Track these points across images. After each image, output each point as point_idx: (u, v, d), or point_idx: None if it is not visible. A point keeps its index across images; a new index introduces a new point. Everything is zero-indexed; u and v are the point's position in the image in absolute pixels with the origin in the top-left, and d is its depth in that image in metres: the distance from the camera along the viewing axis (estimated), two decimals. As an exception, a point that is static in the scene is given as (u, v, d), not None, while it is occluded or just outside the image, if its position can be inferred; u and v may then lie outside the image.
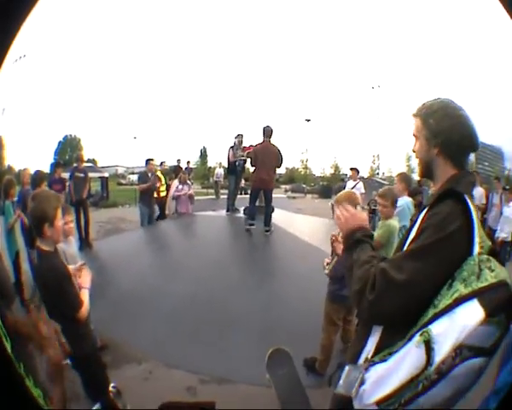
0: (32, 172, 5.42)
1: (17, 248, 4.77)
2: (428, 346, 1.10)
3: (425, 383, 1.10)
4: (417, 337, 1.14)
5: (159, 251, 6.84)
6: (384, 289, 1.21)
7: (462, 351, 1.06)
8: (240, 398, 3.17)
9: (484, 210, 7.68)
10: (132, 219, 11.19)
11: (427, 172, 1.48)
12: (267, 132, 7.04)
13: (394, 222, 3.49)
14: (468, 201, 1.25)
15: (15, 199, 4.93)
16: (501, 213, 7.36)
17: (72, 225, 3.45)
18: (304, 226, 9.10)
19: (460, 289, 1.12)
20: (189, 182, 9.02)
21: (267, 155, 6.85)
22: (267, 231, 7.01)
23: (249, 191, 7.41)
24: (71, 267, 2.55)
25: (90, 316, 3.48)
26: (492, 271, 1.13)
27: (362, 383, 1.26)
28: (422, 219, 1.34)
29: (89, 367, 2.52)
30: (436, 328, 1.11)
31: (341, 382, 1.33)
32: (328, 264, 3.29)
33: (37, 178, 4.43)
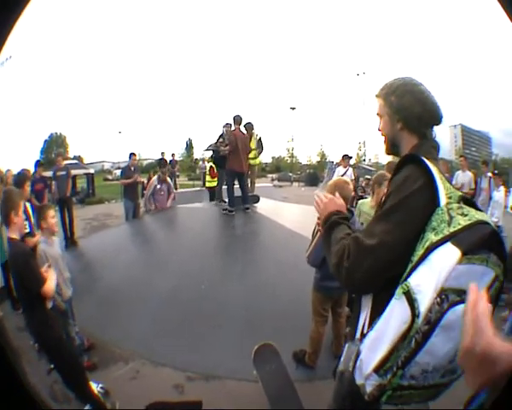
0: (15, 172, 5.32)
1: (5, 252, 4.63)
2: (410, 297, 1.11)
3: (417, 337, 1.10)
4: (397, 290, 1.15)
5: (143, 246, 6.71)
6: (357, 255, 1.26)
7: (448, 296, 1.07)
8: (228, 394, 3.15)
9: (473, 195, 7.72)
10: (118, 215, 11.10)
11: (393, 147, 1.54)
12: (237, 121, 7.50)
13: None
14: (427, 161, 1.28)
15: None
16: (490, 198, 7.42)
17: (55, 221, 3.39)
18: (290, 215, 9.00)
19: (430, 237, 1.15)
20: (169, 180, 8.71)
21: (243, 140, 7.33)
22: (247, 208, 7.46)
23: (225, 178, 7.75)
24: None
25: (76, 317, 3.49)
26: (465, 215, 1.15)
27: (358, 355, 1.28)
28: (387, 188, 1.40)
29: (60, 356, 2.81)
30: (414, 279, 1.13)
31: (341, 359, 1.35)
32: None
33: (21, 178, 4.34)
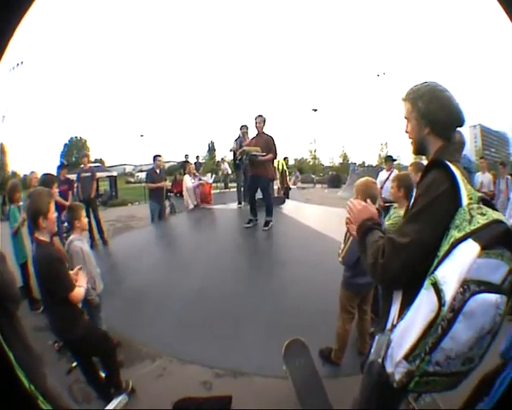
0: (39, 175, 5.41)
1: (25, 252, 4.73)
2: (437, 288, 1.25)
3: (443, 324, 1.23)
4: (426, 282, 1.29)
5: (169, 247, 6.84)
6: (392, 253, 1.40)
7: (469, 286, 1.20)
8: (256, 391, 3.13)
9: (492, 196, 7.55)
10: (142, 216, 11.21)
11: (421, 149, 1.65)
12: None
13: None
14: (450, 165, 1.42)
15: (21, 203, 4.89)
16: (508, 199, 7.20)
17: (86, 219, 3.44)
18: (314, 216, 9.03)
19: (454, 234, 1.29)
20: (204, 177, 9.38)
21: (259, 143, 6.65)
22: (267, 222, 6.63)
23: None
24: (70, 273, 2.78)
25: (103, 315, 3.51)
26: (484, 215, 1.29)
27: (388, 345, 1.42)
28: (416, 191, 1.53)
29: (85, 351, 2.82)
30: (440, 272, 1.27)
31: (372, 350, 1.51)
32: (342, 250, 3.26)
33: (48, 180, 4.40)
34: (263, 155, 6.46)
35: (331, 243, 5.33)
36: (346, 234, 3.21)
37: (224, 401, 2.91)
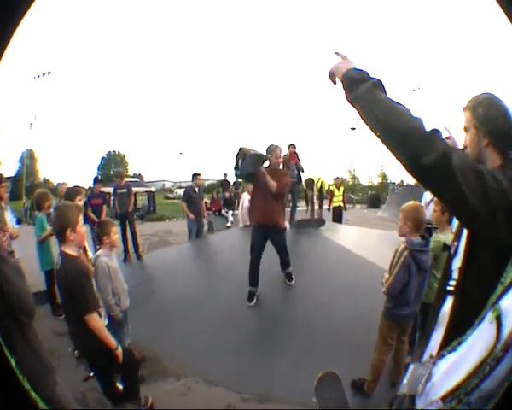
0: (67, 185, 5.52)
1: (52, 260, 4.65)
2: (499, 321, 1.00)
3: (491, 363, 0.99)
4: (489, 314, 1.04)
5: (203, 265, 6.74)
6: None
7: None
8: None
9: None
10: (179, 232, 11.32)
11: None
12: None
13: (446, 237, 3.10)
14: None
15: (51, 211, 4.84)
16: None
17: (117, 237, 3.42)
18: (353, 238, 8.81)
19: None
20: None
21: (274, 178, 4.75)
22: (289, 278, 5.27)
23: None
24: None
25: (126, 331, 3.46)
26: None
27: (428, 378, 1.18)
28: None
29: (104, 366, 2.72)
30: (505, 302, 1.03)
31: (405, 381, 1.26)
32: (386, 280, 3.07)
33: (71, 193, 4.44)
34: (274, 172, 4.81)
35: (370, 268, 5.11)
36: (391, 262, 3.06)
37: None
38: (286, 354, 3.71)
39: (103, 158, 61.49)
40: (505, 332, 0.98)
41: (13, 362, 1.01)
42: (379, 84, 1.31)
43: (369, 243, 8.13)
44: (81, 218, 2.61)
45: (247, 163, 4.77)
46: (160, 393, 3.22)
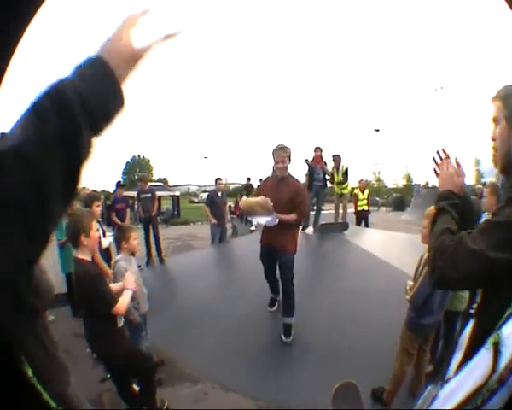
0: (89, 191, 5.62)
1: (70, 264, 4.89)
2: (497, 349, 0.92)
3: (485, 395, 0.91)
4: (489, 339, 0.96)
5: (225, 270, 6.77)
6: (456, 255, 1.15)
7: None
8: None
9: None
10: (203, 236, 11.37)
11: (508, 162, 1.31)
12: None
13: None
14: None
15: None
16: None
17: (136, 242, 3.45)
18: (378, 242, 8.60)
19: None
20: None
21: (279, 192, 4.07)
22: (288, 328, 4.14)
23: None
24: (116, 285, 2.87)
25: (148, 332, 3.48)
26: None
27: (433, 401, 1.15)
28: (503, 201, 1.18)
29: (120, 369, 2.77)
30: (508, 328, 0.94)
31: (420, 400, 1.24)
32: (410, 289, 2.95)
33: (88, 199, 4.54)
34: (281, 218, 3.94)
35: (395, 273, 5.00)
36: (416, 270, 2.94)
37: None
38: (304, 362, 3.65)
39: (128, 163, 62.83)
40: (503, 362, 0.91)
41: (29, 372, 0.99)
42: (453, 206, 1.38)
43: (393, 247, 7.94)
44: (95, 224, 2.70)
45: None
46: (176, 397, 3.22)
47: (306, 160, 8.65)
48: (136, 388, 2.98)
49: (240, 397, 3.25)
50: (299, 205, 4.04)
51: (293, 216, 3.98)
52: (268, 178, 4.58)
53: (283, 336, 4.08)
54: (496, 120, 1.35)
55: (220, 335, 4.23)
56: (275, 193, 4.02)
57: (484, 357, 0.97)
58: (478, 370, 0.97)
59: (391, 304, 3.77)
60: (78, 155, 0.62)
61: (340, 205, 9.64)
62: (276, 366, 3.66)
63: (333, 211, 9.99)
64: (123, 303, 2.65)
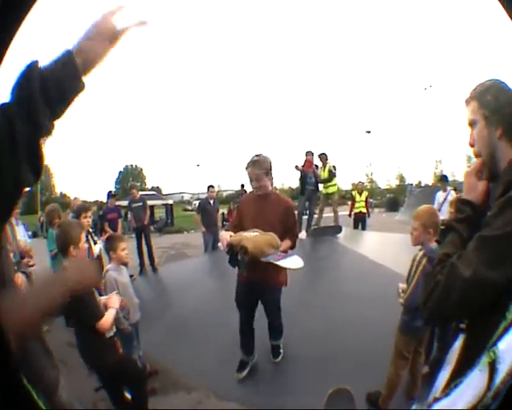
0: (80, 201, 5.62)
1: None
2: (492, 367, 0.87)
3: None
4: (483, 359, 0.91)
5: (217, 278, 6.64)
6: (448, 286, 1.05)
7: None
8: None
9: None
10: (197, 244, 11.32)
11: (493, 164, 1.20)
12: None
13: None
14: None
15: None
16: None
17: (125, 253, 3.41)
18: (372, 244, 8.67)
19: None
20: None
21: (264, 214, 3.34)
22: (277, 349, 3.84)
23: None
24: (102, 298, 2.82)
25: (142, 342, 3.44)
26: None
27: None
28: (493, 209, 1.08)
29: (111, 379, 2.75)
30: (504, 343, 0.89)
31: None
32: (403, 291, 2.89)
33: (77, 210, 4.53)
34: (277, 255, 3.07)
35: (389, 276, 4.98)
36: (409, 272, 2.85)
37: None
38: (299, 368, 3.62)
39: (120, 172, 62.59)
40: (499, 378, 0.87)
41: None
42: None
43: (387, 248, 7.95)
44: (83, 235, 2.69)
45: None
46: (169, 406, 3.20)
47: (296, 166, 8.70)
48: (129, 396, 2.95)
49: (234, 405, 3.21)
50: (293, 229, 3.48)
51: (288, 244, 3.37)
52: (246, 195, 3.75)
53: (272, 358, 3.79)
54: (472, 123, 1.26)
55: (214, 343, 4.19)
56: (258, 215, 3.34)
57: (477, 377, 0.92)
58: (470, 390, 0.92)
59: (386, 307, 3.73)
60: (36, 128, 0.84)
61: (329, 208, 9.56)
62: (270, 373, 3.64)
63: (330, 214, 9.85)
64: (106, 321, 2.62)
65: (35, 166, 0.86)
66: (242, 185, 15.48)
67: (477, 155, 1.26)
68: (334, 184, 9.08)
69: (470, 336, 1.07)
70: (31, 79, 0.81)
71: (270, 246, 3.05)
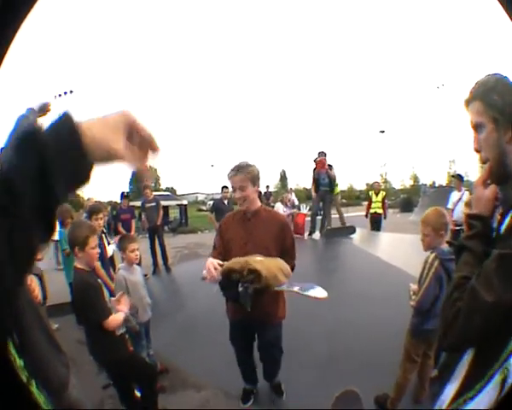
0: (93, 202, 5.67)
1: None
2: (504, 383, 0.85)
3: None
4: (496, 377, 0.88)
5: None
6: (470, 313, 0.98)
7: None
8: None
9: None
10: (211, 245, 11.25)
11: (502, 170, 1.09)
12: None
13: None
14: None
15: None
16: None
17: (137, 253, 3.46)
18: (385, 245, 8.57)
19: None
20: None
21: (255, 234, 2.82)
22: (278, 391, 3.35)
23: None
24: (112, 299, 2.79)
25: (153, 339, 3.48)
26: None
27: None
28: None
29: (120, 376, 2.76)
30: None
31: None
32: (414, 293, 2.84)
33: (89, 211, 4.57)
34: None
35: (402, 277, 4.90)
36: (421, 274, 2.77)
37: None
38: (307, 370, 3.61)
39: (134, 173, 62.74)
40: (505, 390, 0.86)
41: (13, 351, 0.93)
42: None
43: (401, 250, 7.86)
44: (93, 239, 2.59)
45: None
46: (178, 404, 3.23)
47: (315, 168, 8.80)
48: (138, 394, 2.98)
49: (242, 404, 3.24)
50: (291, 250, 2.94)
51: (287, 273, 2.71)
52: (229, 215, 3.17)
53: (275, 396, 3.31)
54: (477, 126, 1.12)
55: (224, 342, 4.19)
56: (247, 236, 2.81)
57: (489, 395, 0.90)
58: (483, 405, 0.90)
59: (397, 308, 3.69)
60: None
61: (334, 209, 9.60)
62: (280, 373, 3.61)
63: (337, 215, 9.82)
64: (114, 321, 2.61)
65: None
66: (267, 187, 15.40)
67: (484, 161, 1.12)
68: (336, 185, 9.17)
69: (480, 353, 1.01)
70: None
71: (282, 273, 2.57)
